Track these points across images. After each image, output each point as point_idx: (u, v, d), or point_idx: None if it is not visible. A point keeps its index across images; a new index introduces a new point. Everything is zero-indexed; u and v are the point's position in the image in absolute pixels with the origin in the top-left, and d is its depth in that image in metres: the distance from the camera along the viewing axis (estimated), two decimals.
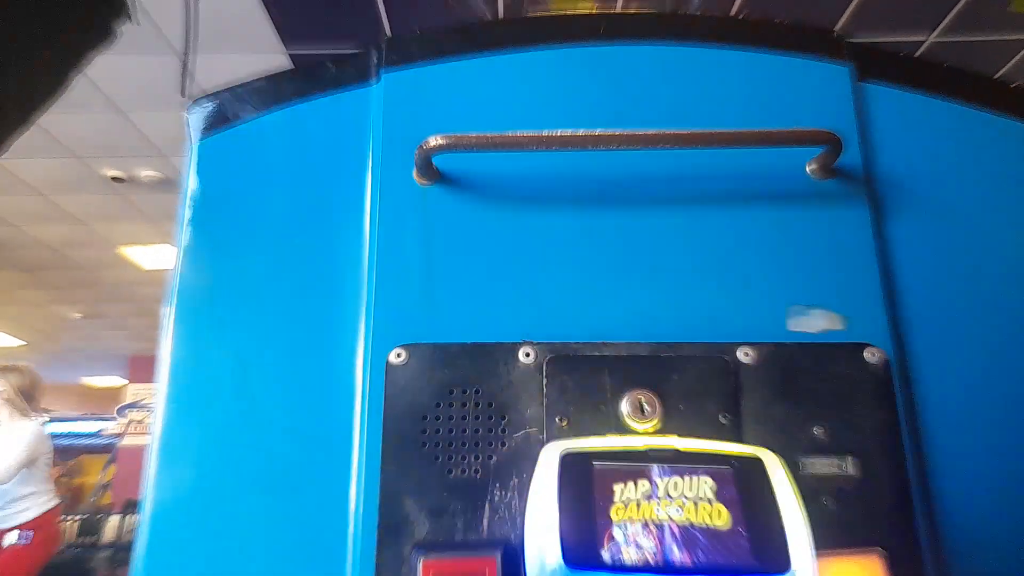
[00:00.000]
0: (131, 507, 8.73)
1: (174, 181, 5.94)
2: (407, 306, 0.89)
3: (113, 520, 8.64)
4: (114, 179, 6.01)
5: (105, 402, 12.42)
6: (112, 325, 11.01)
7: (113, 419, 11.41)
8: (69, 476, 10.60)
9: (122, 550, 7.85)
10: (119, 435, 11.15)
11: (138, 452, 10.35)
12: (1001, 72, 4.47)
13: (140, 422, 11.16)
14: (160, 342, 0.91)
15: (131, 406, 11.46)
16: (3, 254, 7.79)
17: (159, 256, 7.91)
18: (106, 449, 10.71)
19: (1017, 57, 4.40)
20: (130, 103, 4.91)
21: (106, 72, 4.53)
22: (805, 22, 1.01)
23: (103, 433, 11.14)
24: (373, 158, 0.96)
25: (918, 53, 4.31)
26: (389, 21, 4.06)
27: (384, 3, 3.93)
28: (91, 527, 8.54)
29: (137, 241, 7.54)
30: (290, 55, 4.39)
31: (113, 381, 14.53)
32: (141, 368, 12.12)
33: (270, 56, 4.38)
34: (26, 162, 5.73)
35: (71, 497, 9.66)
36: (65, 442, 10.27)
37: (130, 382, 12.07)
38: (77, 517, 8.69)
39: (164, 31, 4.12)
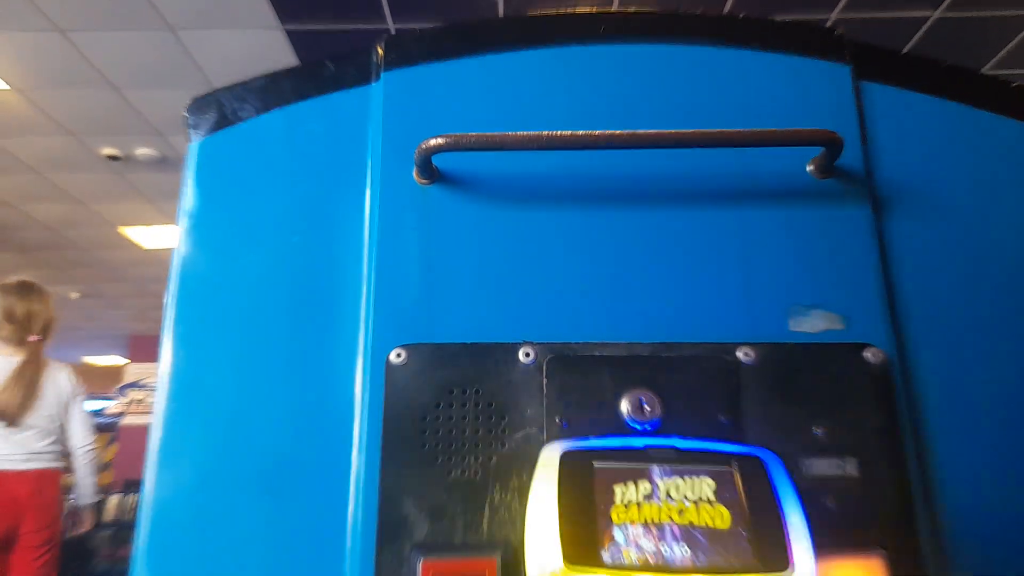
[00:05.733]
0: (132, 486, 8.77)
1: (171, 159, 5.92)
2: (407, 306, 0.89)
3: (114, 499, 8.67)
4: (111, 157, 5.99)
5: (106, 381, 12.45)
6: (111, 305, 11.03)
7: (114, 399, 11.45)
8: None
9: (124, 529, 7.89)
10: (120, 414, 11.19)
11: (139, 432, 10.41)
12: (1007, 48, 4.43)
13: (141, 401, 11.20)
14: (161, 340, 0.91)
15: (132, 385, 11.50)
16: (0, 234, 7.77)
17: (158, 235, 7.89)
18: (107, 428, 10.74)
19: (1022, 34, 4.36)
20: (125, 81, 4.88)
21: (101, 50, 4.50)
22: (805, 21, 1.00)
23: (104, 412, 11.16)
24: (373, 158, 0.96)
25: (922, 30, 4.27)
26: None
27: None
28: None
29: (136, 220, 7.53)
30: (287, 31, 4.35)
31: (113, 361, 14.57)
32: (141, 348, 12.15)
33: (266, 32, 4.34)
34: (22, 141, 5.70)
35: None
36: None
37: (131, 362, 12.09)
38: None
39: (159, 8, 4.08)
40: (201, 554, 0.82)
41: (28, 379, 3.64)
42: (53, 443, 3.66)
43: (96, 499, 3.98)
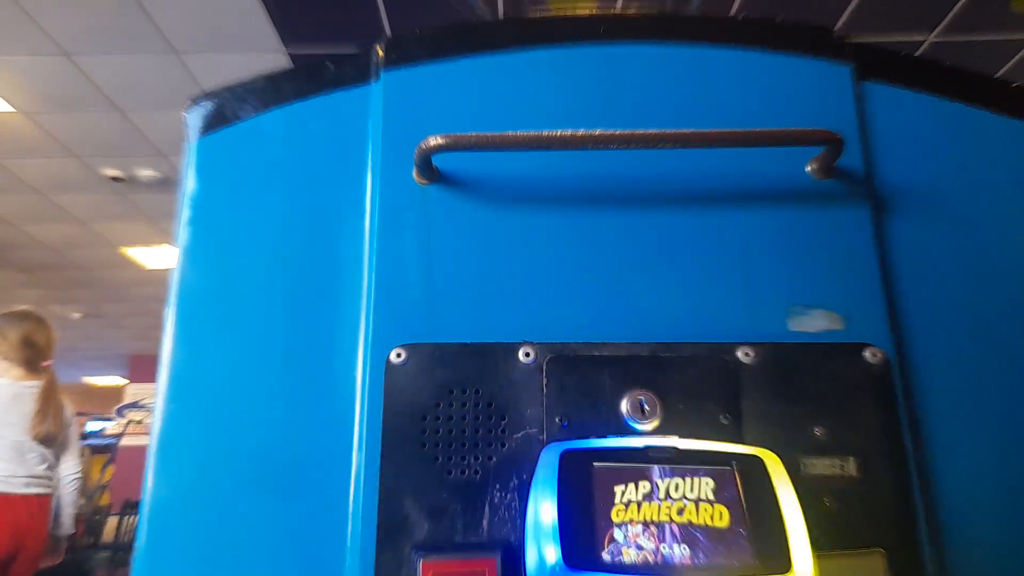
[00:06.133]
0: (130, 508, 8.71)
1: (173, 180, 5.95)
2: (407, 306, 0.89)
3: (112, 521, 8.61)
4: (114, 179, 6.02)
5: (105, 402, 12.42)
6: (112, 325, 11.02)
7: (112, 419, 11.41)
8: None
9: (121, 550, 7.84)
10: (118, 435, 11.14)
11: (137, 452, 10.35)
12: (1001, 72, 4.48)
13: (139, 422, 11.16)
14: (161, 342, 0.91)
15: (130, 406, 11.47)
16: (3, 254, 7.79)
17: (160, 255, 7.92)
18: (105, 449, 10.68)
19: (1017, 57, 4.40)
20: (129, 103, 4.92)
21: (105, 71, 4.54)
22: (805, 22, 1.01)
23: (102, 433, 11.11)
24: (373, 158, 0.96)
25: (918, 53, 4.31)
26: (389, 21, 4.07)
27: (384, 2, 3.93)
28: (90, 528, 8.49)
29: (138, 241, 7.55)
30: (290, 55, 4.39)
31: (113, 381, 14.54)
32: (141, 368, 12.13)
33: (270, 56, 4.38)
34: (25, 162, 5.74)
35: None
36: None
37: (130, 382, 12.07)
38: None
39: (164, 32, 4.12)
40: (201, 554, 0.82)
41: (54, 403, 3.68)
42: (48, 468, 3.65)
43: (71, 531, 3.94)
